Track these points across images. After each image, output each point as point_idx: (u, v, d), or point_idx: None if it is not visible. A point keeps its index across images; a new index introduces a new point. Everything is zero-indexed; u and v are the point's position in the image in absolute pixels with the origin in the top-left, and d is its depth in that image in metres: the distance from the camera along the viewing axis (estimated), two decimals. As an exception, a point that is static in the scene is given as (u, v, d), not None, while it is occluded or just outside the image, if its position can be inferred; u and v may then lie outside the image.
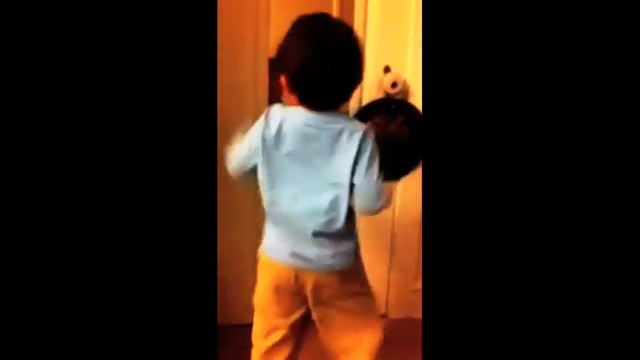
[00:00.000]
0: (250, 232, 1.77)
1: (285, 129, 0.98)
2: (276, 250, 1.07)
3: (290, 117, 0.99)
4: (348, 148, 0.98)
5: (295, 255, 1.04)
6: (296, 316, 1.11)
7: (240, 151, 1.04)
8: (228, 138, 1.06)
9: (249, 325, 1.81)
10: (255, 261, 1.83)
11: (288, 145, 0.99)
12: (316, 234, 1.02)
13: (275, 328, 1.12)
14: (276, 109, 1.01)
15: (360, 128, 0.99)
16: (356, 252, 1.10)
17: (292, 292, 1.08)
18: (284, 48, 0.98)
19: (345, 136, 0.98)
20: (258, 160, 1.01)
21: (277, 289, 1.08)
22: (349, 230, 1.07)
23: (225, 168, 1.08)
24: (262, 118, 1.01)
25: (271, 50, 1.65)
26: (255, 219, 1.76)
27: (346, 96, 1.01)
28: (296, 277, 1.06)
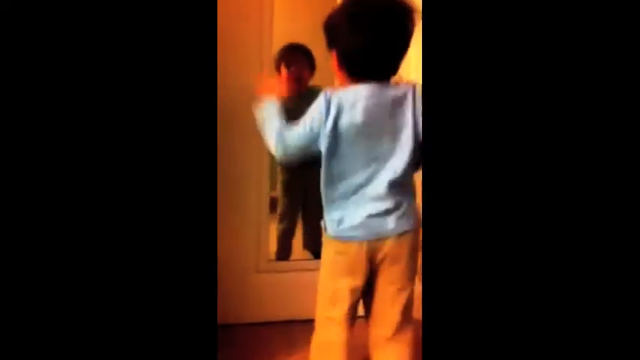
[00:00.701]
0: (251, 231, 1.78)
1: (347, 106, 1.04)
2: (345, 227, 1.09)
3: (347, 95, 1.06)
4: (405, 107, 1.05)
5: (366, 226, 1.08)
6: (362, 286, 1.14)
7: (295, 136, 1.10)
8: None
9: (249, 325, 1.83)
10: (256, 261, 1.85)
11: (352, 120, 1.04)
12: (386, 199, 1.06)
13: (342, 299, 1.15)
14: (332, 93, 1.07)
15: (409, 86, 1.06)
16: (416, 213, 1.13)
17: (363, 265, 1.11)
18: (332, 26, 1.05)
19: (399, 99, 1.06)
20: (322, 141, 1.07)
21: (348, 267, 1.11)
22: (411, 192, 1.12)
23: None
24: (321, 102, 1.07)
25: (274, 49, 1.66)
26: (257, 217, 1.77)
27: (395, 67, 1.08)
28: (367, 249, 1.09)
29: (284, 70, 2.00)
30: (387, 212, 1.07)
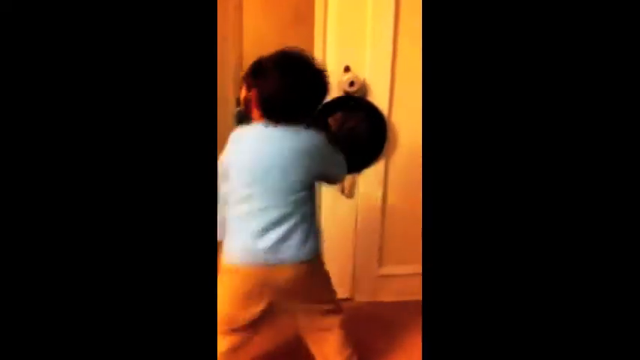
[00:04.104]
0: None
1: (248, 142, 1.14)
2: (243, 252, 1.14)
3: (247, 131, 1.16)
4: (305, 151, 1.13)
5: (265, 252, 1.12)
6: (259, 312, 1.19)
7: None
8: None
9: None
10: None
11: (252, 154, 1.13)
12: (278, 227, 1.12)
13: (239, 330, 1.21)
14: (232, 133, 1.18)
15: (315, 137, 1.15)
16: (312, 245, 1.18)
17: (260, 290, 1.16)
18: (262, 73, 1.13)
19: (298, 145, 1.13)
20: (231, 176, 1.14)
21: (245, 293, 1.16)
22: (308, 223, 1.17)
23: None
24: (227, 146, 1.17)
25: (245, 60, 1.75)
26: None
27: (301, 119, 1.16)
28: (265, 275, 1.14)
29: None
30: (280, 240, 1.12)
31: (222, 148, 1.16)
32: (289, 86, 1.10)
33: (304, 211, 1.14)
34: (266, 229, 1.12)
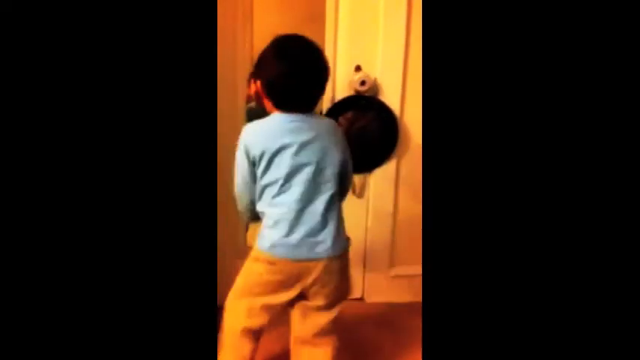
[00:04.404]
0: (232, 221, 1.87)
1: (268, 134, 1.12)
2: (279, 245, 1.14)
3: (268, 123, 1.14)
4: (327, 137, 1.13)
5: (300, 246, 1.12)
6: (284, 300, 1.18)
7: (240, 188, 1.21)
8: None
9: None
10: (236, 248, 1.94)
11: (278, 142, 1.10)
12: (319, 223, 1.13)
13: (261, 313, 1.20)
14: (247, 128, 1.16)
15: (327, 120, 1.19)
16: (343, 240, 1.20)
17: (291, 283, 1.16)
18: (262, 62, 1.14)
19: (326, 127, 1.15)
20: (258, 171, 1.14)
21: (279, 283, 1.16)
22: (339, 218, 1.19)
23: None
24: (239, 146, 1.16)
25: (255, 55, 1.75)
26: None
27: (313, 104, 1.16)
28: (302, 267, 1.14)
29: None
30: (321, 233, 1.13)
31: (233, 145, 1.16)
32: (287, 67, 1.09)
33: (335, 203, 1.15)
34: (300, 223, 1.12)
